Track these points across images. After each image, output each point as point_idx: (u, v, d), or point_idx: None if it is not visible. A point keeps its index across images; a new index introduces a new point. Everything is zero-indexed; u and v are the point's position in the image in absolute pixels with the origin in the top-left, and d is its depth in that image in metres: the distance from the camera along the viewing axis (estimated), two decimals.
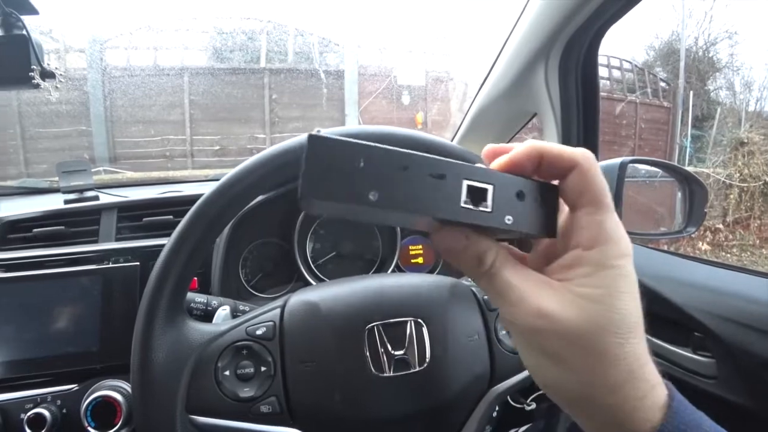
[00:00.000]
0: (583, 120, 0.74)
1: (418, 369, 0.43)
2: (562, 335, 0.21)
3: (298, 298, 0.46)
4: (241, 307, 0.53)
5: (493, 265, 0.23)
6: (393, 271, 0.80)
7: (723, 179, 3.86)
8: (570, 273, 0.23)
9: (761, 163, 3.81)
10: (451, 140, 1.03)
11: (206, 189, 0.41)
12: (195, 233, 0.39)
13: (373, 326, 0.43)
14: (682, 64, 4.38)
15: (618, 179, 0.67)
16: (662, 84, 4.65)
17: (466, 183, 0.21)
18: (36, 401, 0.57)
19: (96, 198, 0.79)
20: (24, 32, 0.60)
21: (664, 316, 0.63)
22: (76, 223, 0.72)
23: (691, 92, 4.42)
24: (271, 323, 0.44)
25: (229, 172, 0.40)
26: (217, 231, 0.41)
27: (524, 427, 0.61)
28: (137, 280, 0.61)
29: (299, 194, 0.19)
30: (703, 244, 3.70)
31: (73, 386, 0.58)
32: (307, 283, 0.74)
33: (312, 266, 0.79)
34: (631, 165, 0.70)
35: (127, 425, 0.54)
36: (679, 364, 0.62)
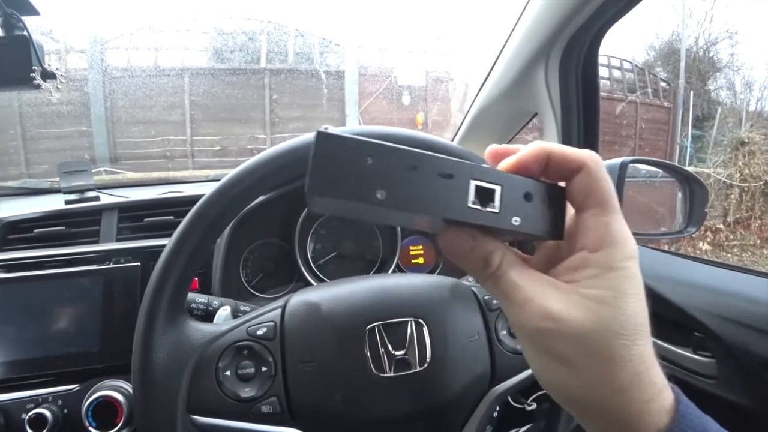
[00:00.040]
0: (583, 120, 0.74)
1: (418, 369, 0.43)
2: (569, 337, 0.21)
3: (299, 299, 0.46)
4: (242, 308, 0.53)
5: (500, 267, 0.23)
6: (393, 271, 0.80)
7: (723, 179, 3.85)
8: (576, 275, 0.23)
9: (762, 162, 3.80)
10: (452, 140, 1.03)
11: (207, 189, 0.41)
12: (196, 234, 0.39)
13: (374, 326, 0.43)
14: (682, 63, 4.38)
15: (618, 179, 0.67)
16: (663, 84, 4.65)
17: (474, 183, 0.21)
18: (37, 401, 0.57)
19: (97, 198, 0.79)
20: (25, 33, 0.60)
21: (664, 317, 0.63)
22: (76, 224, 0.72)
23: (692, 92, 4.42)
24: (271, 323, 0.44)
25: (230, 173, 0.40)
26: (217, 231, 0.41)
27: (525, 428, 0.61)
28: (138, 280, 0.61)
29: (306, 191, 0.19)
30: (703, 244, 3.70)
31: (74, 386, 0.59)
32: (308, 284, 0.75)
33: (313, 266, 0.79)
34: (631, 165, 0.70)
35: (128, 425, 0.54)
36: (680, 364, 0.62)
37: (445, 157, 0.20)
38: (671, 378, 0.23)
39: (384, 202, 0.19)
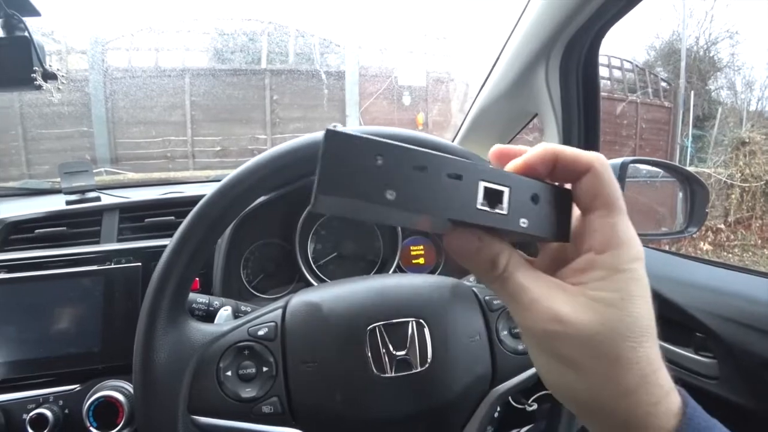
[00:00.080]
0: (584, 120, 0.74)
1: (419, 369, 0.43)
2: (576, 339, 0.21)
3: (300, 299, 0.46)
4: (243, 308, 0.54)
5: (507, 269, 0.23)
6: (394, 271, 0.80)
7: (724, 179, 3.85)
8: (583, 277, 0.23)
9: (763, 162, 3.80)
10: (452, 141, 1.03)
11: (208, 190, 0.41)
12: (197, 234, 0.39)
13: (375, 327, 0.43)
14: (683, 63, 4.38)
15: (619, 179, 0.66)
16: (663, 84, 4.65)
17: (482, 184, 0.21)
18: (38, 401, 0.57)
19: (98, 199, 0.79)
20: (26, 34, 0.61)
21: (665, 317, 0.63)
22: (77, 224, 0.72)
23: (692, 92, 4.42)
24: (272, 324, 0.44)
25: (231, 173, 0.40)
26: (218, 232, 0.41)
27: (526, 428, 0.61)
28: (139, 280, 0.61)
29: (314, 190, 0.18)
30: (704, 244, 3.70)
31: (75, 386, 0.59)
32: (309, 284, 0.75)
33: (313, 267, 0.79)
34: (632, 165, 0.70)
35: (128, 425, 0.54)
36: (681, 364, 0.62)
37: (454, 157, 0.20)
38: (677, 381, 0.23)
39: (393, 202, 0.19)
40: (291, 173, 0.41)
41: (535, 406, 0.58)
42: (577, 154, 0.23)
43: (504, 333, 0.48)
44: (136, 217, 0.74)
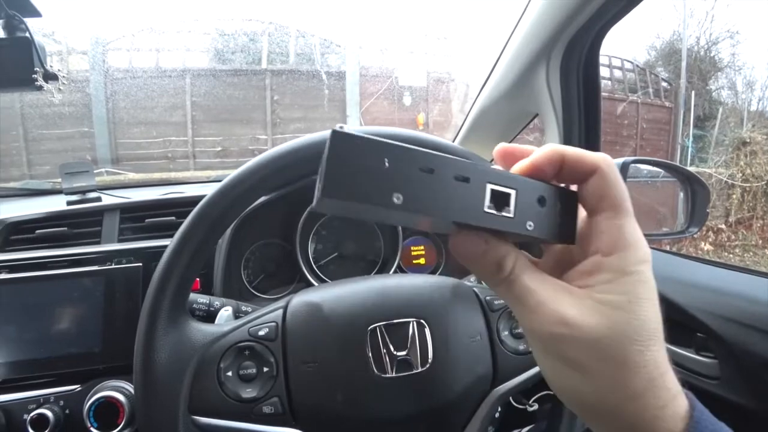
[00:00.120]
0: (584, 120, 0.74)
1: (420, 370, 0.43)
2: (583, 342, 0.21)
3: (301, 299, 0.46)
4: (244, 308, 0.54)
5: (513, 271, 0.22)
6: (395, 271, 0.80)
7: (725, 179, 3.85)
8: (590, 279, 0.22)
9: (764, 162, 3.80)
10: (453, 141, 1.03)
11: (208, 190, 0.41)
12: (197, 234, 0.39)
13: (376, 327, 0.43)
14: (683, 63, 4.38)
15: None
16: (664, 84, 4.65)
17: (489, 187, 0.20)
18: (39, 402, 0.57)
19: (98, 199, 0.79)
20: (27, 34, 0.61)
21: (666, 317, 0.62)
22: (78, 225, 0.72)
23: (693, 92, 4.42)
24: (273, 324, 0.44)
25: (232, 174, 0.40)
26: (219, 232, 0.41)
27: (527, 428, 0.61)
28: (140, 281, 0.61)
29: (319, 192, 0.18)
30: (705, 245, 3.70)
31: (76, 387, 0.59)
32: (309, 284, 0.75)
33: (314, 267, 0.79)
34: (633, 165, 0.70)
35: (129, 426, 0.54)
36: (682, 365, 0.62)
37: (460, 159, 0.20)
38: (688, 386, 0.23)
39: (400, 206, 0.18)
40: (292, 173, 0.41)
41: (536, 407, 0.58)
42: (584, 155, 0.23)
43: (505, 333, 0.48)
44: (137, 218, 0.74)
